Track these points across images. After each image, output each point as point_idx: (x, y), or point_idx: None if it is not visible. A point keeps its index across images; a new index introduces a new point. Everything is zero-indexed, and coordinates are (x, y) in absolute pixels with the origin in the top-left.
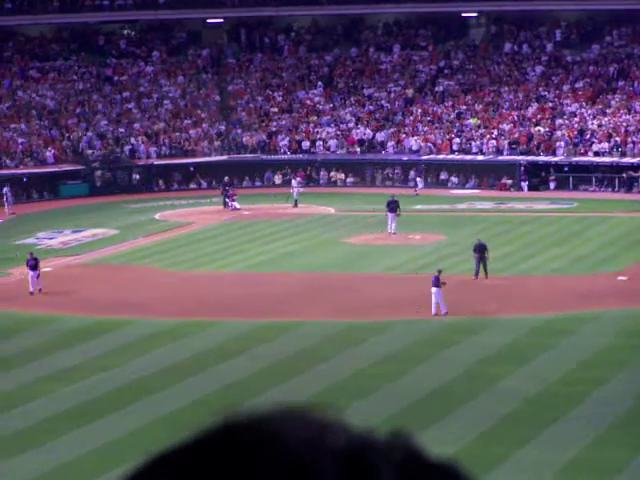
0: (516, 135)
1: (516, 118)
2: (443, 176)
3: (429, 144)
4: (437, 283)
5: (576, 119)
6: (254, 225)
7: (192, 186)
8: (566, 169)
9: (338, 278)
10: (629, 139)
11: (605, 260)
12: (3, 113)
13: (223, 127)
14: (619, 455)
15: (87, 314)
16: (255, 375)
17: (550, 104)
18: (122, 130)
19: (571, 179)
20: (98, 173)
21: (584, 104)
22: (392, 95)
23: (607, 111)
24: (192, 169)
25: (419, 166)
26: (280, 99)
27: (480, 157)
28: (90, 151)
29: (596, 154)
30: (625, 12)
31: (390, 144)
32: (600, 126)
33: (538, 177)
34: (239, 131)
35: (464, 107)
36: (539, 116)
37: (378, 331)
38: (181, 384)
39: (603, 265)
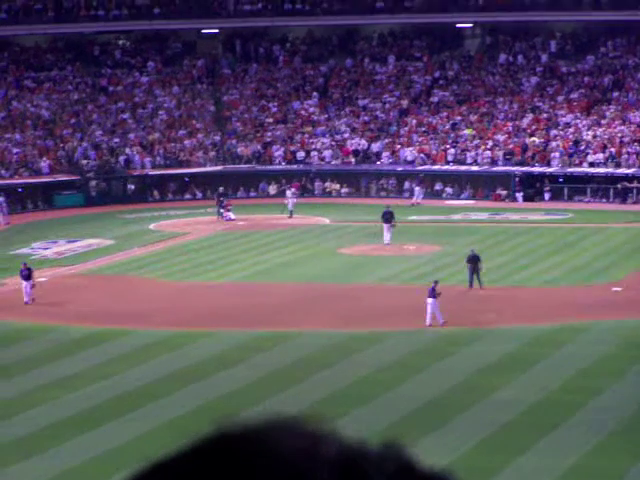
0: (511, 146)
1: (511, 129)
2: (438, 187)
3: (421, 155)
4: (433, 294)
5: (571, 130)
6: (249, 235)
7: (187, 196)
8: (561, 180)
9: (334, 288)
10: (624, 150)
11: (600, 271)
12: None
13: (218, 137)
14: (619, 462)
15: (83, 324)
16: (253, 384)
17: (545, 115)
18: (117, 140)
19: (566, 190)
20: (93, 183)
21: (579, 115)
22: (387, 106)
23: (602, 122)
24: (187, 179)
25: (418, 176)
26: (275, 109)
27: (475, 168)
28: (85, 161)
29: (591, 165)
30: (620, 23)
31: (385, 154)
32: (595, 137)
33: (533, 188)
34: (234, 141)
35: (459, 118)
36: (534, 127)
37: (375, 341)
38: (180, 393)
39: (598, 276)
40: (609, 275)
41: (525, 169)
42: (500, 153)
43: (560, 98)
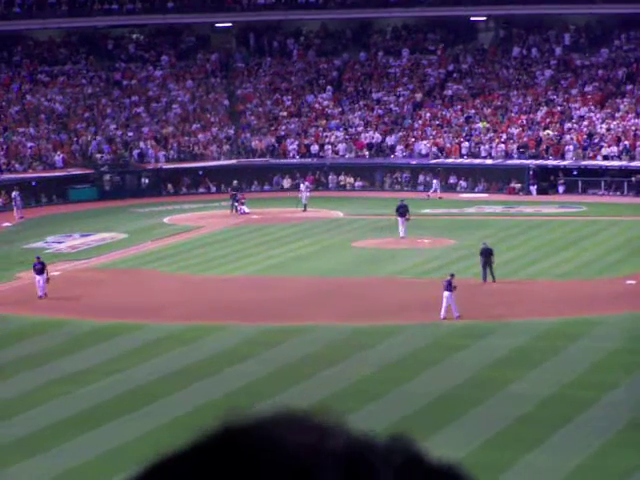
0: (525, 139)
1: (525, 122)
2: (452, 180)
3: (434, 149)
4: (449, 287)
5: (585, 123)
6: (263, 229)
7: (201, 190)
8: (575, 173)
9: (347, 282)
10: (638, 143)
11: (614, 264)
12: (12, 117)
13: (232, 131)
14: (633, 457)
15: (96, 318)
16: (264, 379)
17: (559, 108)
18: (131, 134)
19: (580, 183)
20: (107, 177)
21: (593, 108)
22: (401, 99)
23: (616, 115)
24: (201, 173)
25: (436, 170)
26: (289, 103)
27: (489, 161)
28: (99, 155)
29: (605, 158)
30: (634, 16)
31: (399, 148)
32: (609, 130)
33: (547, 181)
34: (248, 135)
35: (473, 111)
36: (548, 120)
37: (387, 335)
38: (190, 388)
39: (612, 269)
40: (623, 268)
41: (539, 162)
42: (514, 146)
43: (574, 91)
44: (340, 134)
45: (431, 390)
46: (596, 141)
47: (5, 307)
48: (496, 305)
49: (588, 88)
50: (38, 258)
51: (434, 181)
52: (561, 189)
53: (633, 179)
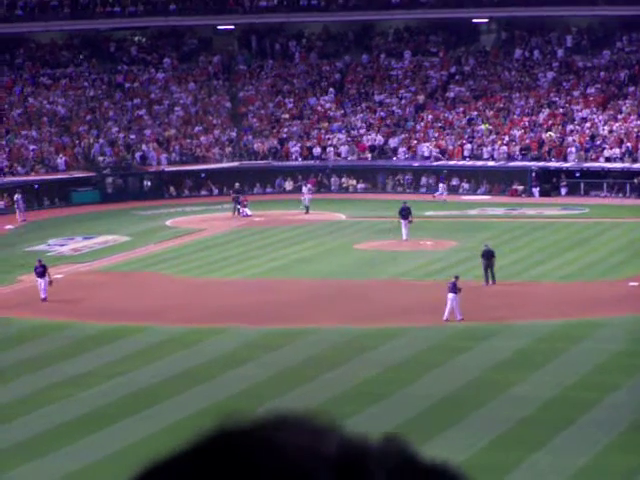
0: (527, 141)
1: (527, 124)
2: (454, 182)
3: (434, 151)
4: (454, 289)
5: (587, 125)
6: (265, 232)
7: (203, 193)
8: (577, 175)
9: (349, 284)
10: None
11: (617, 266)
12: (14, 120)
13: (234, 133)
14: (631, 460)
15: (98, 321)
16: (266, 382)
17: (561, 110)
18: (133, 137)
19: (582, 185)
20: (109, 180)
21: (595, 110)
22: (403, 101)
23: (618, 117)
24: (203, 176)
25: (442, 173)
26: (291, 105)
27: (491, 163)
28: (101, 158)
29: (607, 160)
30: (636, 18)
31: (401, 150)
32: (611, 132)
33: (549, 183)
34: (250, 137)
35: (475, 113)
36: (550, 122)
37: (390, 337)
38: (192, 391)
39: (615, 271)
40: (626, 270)
41: (541, 164)
42: (516, 148)
43: (576, 93)
44: (342, 136)
45: (434, 392)
46: (598, 143)
47: (7, 310)
48: (498, 307)
49: (590, 90)
50: (39, 261)
51: (440, 185)
52: (563, 191)
53: (635, 181)
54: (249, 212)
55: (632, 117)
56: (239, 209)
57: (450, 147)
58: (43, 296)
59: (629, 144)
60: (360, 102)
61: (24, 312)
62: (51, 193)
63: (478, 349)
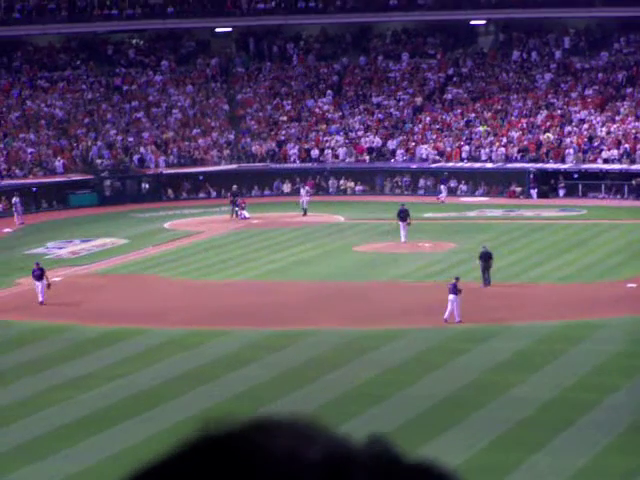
0: (525, 142)
1: (525, 125)
2: (453, 184)
3: (432, 153)
4: (455, 290)
5: (585, 126)
6: (263, 234)
7: (201, 195)
8: (575, 176)
9: (348, 286)
10: (638, 146)
11: (615, 267)
12: (12, 123)
13: (232, 136)
14: (635, 460)
15: (97, 324)
16: (267, 384)
17: (559, 111)
18: (131, 139)
19: (580, 186)
20: (107, 183)
21: (593, 111)
22: (401, 103)
23: (616, 118)
24: (201, 178)
25: (443, 175)
26: (289, 108)
27: (489, 165)
28: (99, 161)
29: (605, 161)
30: (633, 19)
31: (400, 152)
32: (609, 133)
33: (547, 184)
34: (248, 140)
35: (473, 115)
36: (548, 123)
37: (390, 339)
38: (192, 393)
39: (613, 272)
40: (624, 271)
41: (539, 166)
42: (514, 150)
43: (574, 94)
44: (340, 138)
45: (434, 393)
46: (596, 144)
47: (5, 313)
48: (498, 309)
49: (588, 91)
50: (37, 264)
51: (441, 186)
52: (561, 192)
53: (633, 182)
54: (247, 214)
55: (630, 118)
56: (237, 211)
57: (448, 149)
58: (41, 299)
59: (627, 145)
60: (358, 104)
61: (22, 315)
62: (49, 196)
63: (477, 350)
